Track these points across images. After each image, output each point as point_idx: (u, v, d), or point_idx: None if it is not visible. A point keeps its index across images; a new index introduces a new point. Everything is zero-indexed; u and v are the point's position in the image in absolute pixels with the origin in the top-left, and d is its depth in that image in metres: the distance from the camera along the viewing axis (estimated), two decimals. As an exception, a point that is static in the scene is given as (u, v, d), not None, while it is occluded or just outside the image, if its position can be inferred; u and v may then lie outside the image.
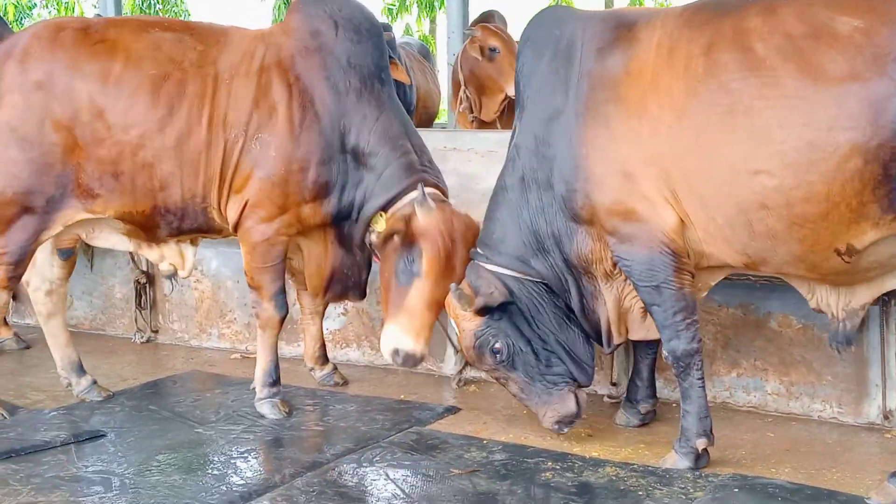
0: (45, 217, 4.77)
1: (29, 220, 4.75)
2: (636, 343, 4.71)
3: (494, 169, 4.75)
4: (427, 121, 9.11)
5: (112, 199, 4.77)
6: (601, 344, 4.56)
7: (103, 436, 4.64)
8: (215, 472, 4.21)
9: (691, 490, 3.92)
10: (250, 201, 4.78)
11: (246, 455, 4.43)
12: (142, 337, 6.69)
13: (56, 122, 4.69)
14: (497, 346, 4.51)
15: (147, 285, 6.70)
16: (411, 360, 4.72)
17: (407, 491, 3.96)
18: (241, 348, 6.34)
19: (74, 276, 6.53)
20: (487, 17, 8.13)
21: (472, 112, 7.71)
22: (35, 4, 25.31)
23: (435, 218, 4.70)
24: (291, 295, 5.83)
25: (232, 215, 4.84)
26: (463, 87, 7.69)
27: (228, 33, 5.00)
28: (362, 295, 5.28)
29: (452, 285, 4.50)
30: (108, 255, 6.75)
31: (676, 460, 4.18)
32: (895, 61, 3.58)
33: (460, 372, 5.55)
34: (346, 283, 5.17)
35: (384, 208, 4.87)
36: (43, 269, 5.25)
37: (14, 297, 7.09)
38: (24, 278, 5.31)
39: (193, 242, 5.12)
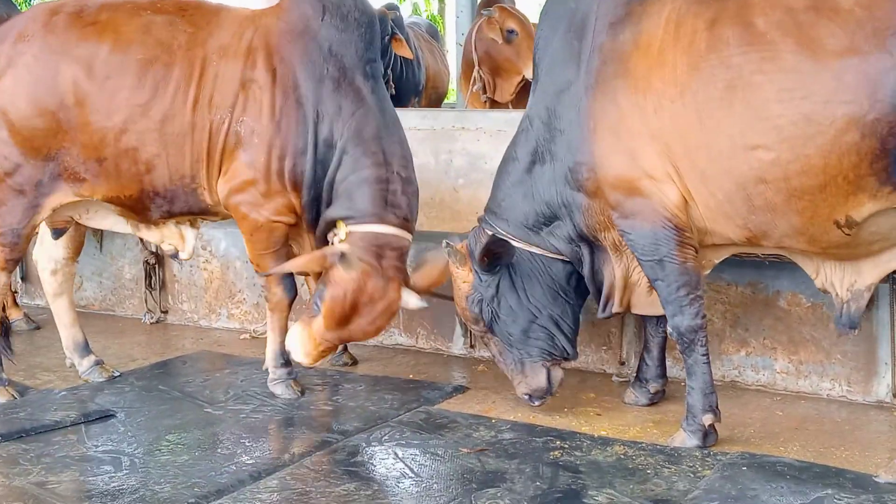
0: (35, 199, 4.78)
1: (18, 202, 4.76)
2: (647, 322, 4.71)
3: (503, 148, 4.74)
4: (436, 100, 9.11)
5: (98, 183, 4.77)
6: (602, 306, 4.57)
7: (113, 416, 4.66)
8: (225, 451, 4.22)
9: (700, 468, 3.92)
10: (234, 186, 4.74)
11: (255, 434, 4.44)
12: (151, 317, 6.70)
13: (43, 106, 4.69)
14: (483, 307, 4.57)
15: (156, 266, 6.71)
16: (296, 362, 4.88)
17: (416, 470, 3.97)
18: (251, 328, 6.35)
19: (84, 257, 6.54)
20: None
21: (485, 92, 7.70)
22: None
23: (346, 279, 4.54)
24: (299, 277, 5.85)
25: (221, 198, 4.81)
26: (477, 68, 7.66)
27: (220, 14, 4.94)
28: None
29: (444, 241, 4.54)
30: (118, 236, 6.76)
31: (685, 439, 4.19)
32: (894, 35, 3.56)
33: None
34: None
35: (344, 218, 4.73)
36: (50, 248, 5.26)
37: (23, 279, 7.14)
38: (34, 257, 5.35)
39: (193, 224, 5.10)
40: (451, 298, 4.92)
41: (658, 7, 4.14)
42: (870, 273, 4.10)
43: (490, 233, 4.57)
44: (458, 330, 5.70)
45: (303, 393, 4.98)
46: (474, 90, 7.67)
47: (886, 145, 3.61)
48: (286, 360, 5.01)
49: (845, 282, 4.15)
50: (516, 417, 4.64)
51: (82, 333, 5.35)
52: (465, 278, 4.63)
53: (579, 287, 4.62)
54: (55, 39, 4.74)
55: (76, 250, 5.42)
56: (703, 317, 4.17)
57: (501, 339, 4.62)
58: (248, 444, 4.32)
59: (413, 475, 3.91)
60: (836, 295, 4.19)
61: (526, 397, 4.61)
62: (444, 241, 4.60)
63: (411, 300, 4.64)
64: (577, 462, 4.02)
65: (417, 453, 4.16)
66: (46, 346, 6.02)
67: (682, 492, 3.70)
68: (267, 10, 4.98)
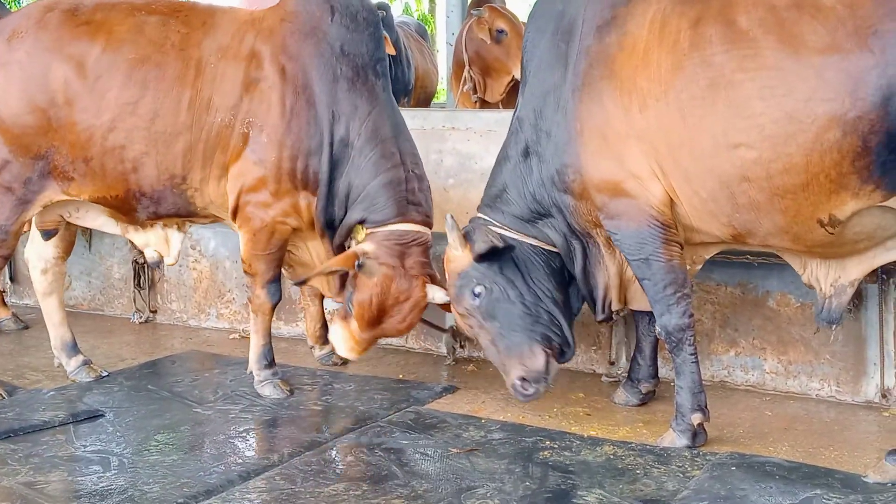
0: (24, 197, 4.76)
1: (7, 199, 4.75)
2: (638, 322, 4.72)
3: (493, 148, 4.75)
4: (425, 100, 9.10)
5: (85, 182, 4.76)
6: (594, 311, 4.55)
7: (102, 416, 4.64)
8: (214, 451, 4.21)
9: (689, 468, 3.92)
10: (245, 186, 4.76)
11: (244, 434, 4.44)
12: (140, 317, 6.69)
13: (34, 103, 4.67)
14: (477, 289, 4.47)
15: (145, 265, 6.69)
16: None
17: (405, 470, 3.96)
18: (240, 328, 6.34)
19: (73, 256, 6.52)
20: (486, -1, 8.09)
21: (475, 92, 7.70)
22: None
23: (370, 284, 4.65)
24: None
25: (230, 200, 4.82)
26: (467, 68, 7.67)
27: (216, 15, 4.94)
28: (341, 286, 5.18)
29: (448, 216, 4.49)
30: (107, 236, 6.73)
31: (674, 439, 4.19)
32: (876, 34, 3.58)
33: (454, 349, 5.54)
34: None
35: (362, 221, 4.80)
36: (40, 247, 5.24)
37: (12, 279, 7.12)
38: (25, 256, 5.33)
39: (180, 228, 5.09)
40: (442, 329, 4.96)
41: (643, 8, 4.15)
42: (854, 269, 4.12)
43: (488, 226, 4.53)
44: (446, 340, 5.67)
45: (292, 393, 4.98)
46: (464, 90, 7.67)
47: (868, 143, 3.62)
48: (270, 362, 5.02)
49: (830, 277, 4.16)
50: (506, 417, 4.64)
51: (71, 333, 5.34)
52: (457, 259, 4.53)
53: (574, 284, 4.60)
54: (48, 37, 4.73)
55: (66, 249, 5.40)
56: (691, 315, 4.18)
57: (500, 324, 4.46)
58: (237, 444, 4.32)
59: (402, 475, 3.91)
60: (820, 290, 4.20)
61: (518, 383, 4.42)
62: (448, 214, 4.56)
63: (438, 295, 4.70)
64: (567, 462, 4.02)
65: (407, 453, 4.15)
66: (35, 346, 6.00)
67: (671, 492, 3.70)
68: (267, 11, 4.97)
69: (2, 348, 5.39)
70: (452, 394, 5.04)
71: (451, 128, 5.85)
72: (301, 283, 5.05)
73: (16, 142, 4.69)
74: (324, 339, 5.59)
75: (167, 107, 4.68)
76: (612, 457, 4.08)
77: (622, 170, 4.11)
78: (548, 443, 4.25)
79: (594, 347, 5.41)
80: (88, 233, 6.81)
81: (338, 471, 3.97)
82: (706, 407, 4.19)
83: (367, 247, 4.72)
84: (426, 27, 12.47)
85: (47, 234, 5.15)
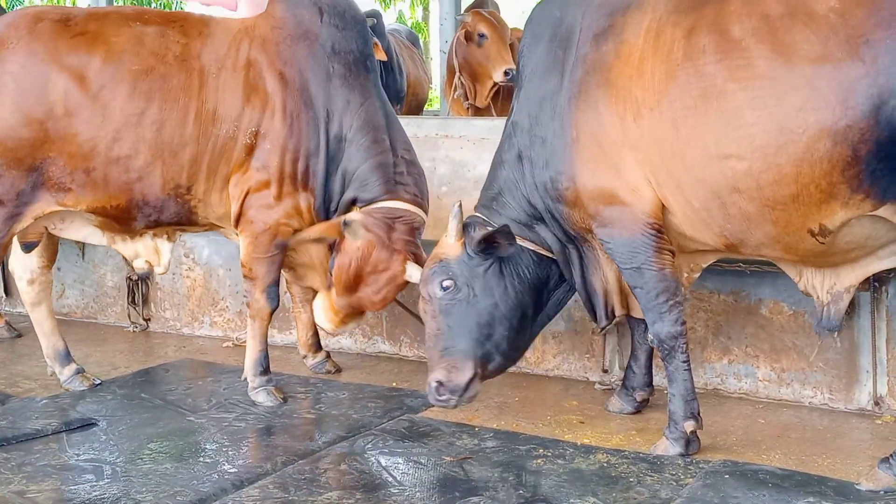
0: (17, 209, 4.72)
1: (0, 212, 4.71)
2: (634, 330, 4.72)
3: (486, 156, 4.76)
4: (416, 108, 9.11)
5: (84, 192, 4.73)
6: (595, 318, 4.55)
7: (95, 424, 4.64)
8: (207, 459, 4.21)
9: (682, 476, 3.93)
10: (249, 191, 4.79)
11: (238, 443, 4.43)
12: (136, 328, 6.68)
13: (29, 115, 4.64)
14: (447, 283, 4.35)
15: (139, 281, 6.68)
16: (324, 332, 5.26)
17: (399, 478, 3.96)
18: (234, 336, 6.34)
19: (66, 264, 6.55)
20: (480, 3, 8.11)
21: (466, 99, 7.71)
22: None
23: (352, 247, 4.73)
24: (284, 284, 5.84)
25: (234, 207, 4.84)
26: (457, 74, 7.68)
27: (210, 25, 4.96)
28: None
29: (456, 205, 4.41)
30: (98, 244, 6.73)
31: (667, 447, 4.19)
32: (867, 43, 3.59)
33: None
34: None
35: (354, 201, 4.90)
36: (24, 258, 5.22)
37: (5, 288, 7.11)
38: (10, 268, 5.31)
39: (170, 238, 5.09)
40: (414, 314, 4.95)
41: (639, 17, 4.15)
42: (848, 276, 4.12)
43: (494, 222, 4.48)
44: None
45: (285, 400, 4.97)
46: (455, 97, 7.68)
47: (858, 152, 3.62)
48: (265, 368, 5.02)
49: (825, 284, 4.17)
50: (499, 426, 4.64)
51: (63, 342, 5.33)
52: (443, 246, 4.44)
53: (556, 292, 4.59)
54: (42, 48, 4.69)
55: (51, 258, 5.39)
56: (683, 323, 4.18)
57: (451, 324, 4.33)
58: (230, 452, 4.31)
59: (396, 483, 3.91)
60: (817, 297, 4.21)
61: (434, 385, 4.28)
62: (457, 202, 4.47)
63: (415, 274, 4.68)
64: (561, 470, 4.02)
65: (400, 461, 4.15)
66: (28, 355, 5.99)
67: (664, 500, 3.70)
68: (257, 19, 5.00)
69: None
70: (446, 402, 5.03)
71: (444, 136, 5.85)
72: (287, 247, 5.00)
73: (9, 154, 4.64)
74: (316, 347, 5.59)
75: (174, 118, 4.69)
76: (605, 465, 4.08)
77: (617, 178, 4.11)
78: (541, 451, 4.24)
79: (588, 355, 5.41)
80: (82, 242, 6.80)
81: (331, 479, 3.96)
82: (699, 415, 4.19)
83: (355, 215, 4.80)
84: (419, 35, 12.48)
85: (28, 247, 5.09)
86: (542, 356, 5.51)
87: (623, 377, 4.89)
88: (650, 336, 4.23)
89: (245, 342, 5.10)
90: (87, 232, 5.05)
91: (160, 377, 5.52)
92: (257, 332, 5.01)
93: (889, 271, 4.50)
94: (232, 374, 5.42)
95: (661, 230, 4.12)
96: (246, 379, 5.04)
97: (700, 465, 4.03)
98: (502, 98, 7.57)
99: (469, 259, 4.37)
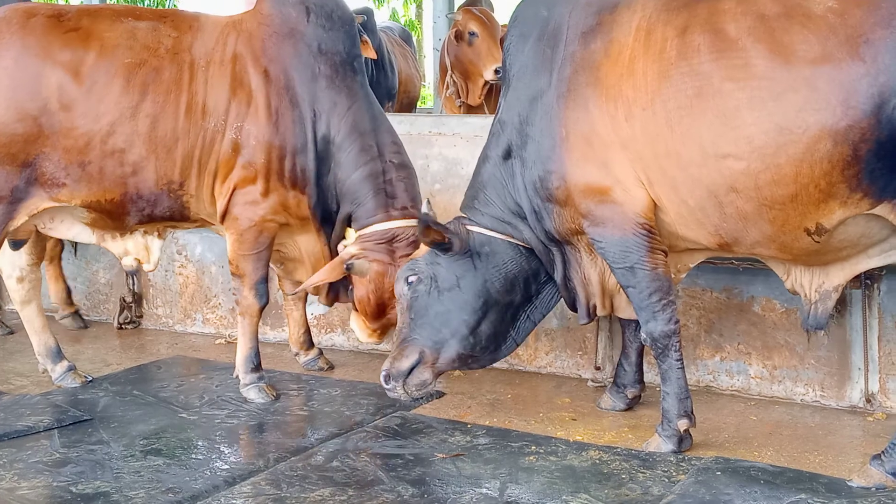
0: (11, 207, 4.70)
1: None
2: (625, 328, 4.72)
3: (479, 153, 4.75)
4: (408, 105, 9.12)
5: (79, 187, 4.72)
6: (576, 312, 4.55)
7: (87, 421, 4.63)
8: (199, 456, 4.21)
9: (674, 473, 3.93)
10: (235, 188, 4.79)
11: (230, 440, 4.43)
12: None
13: (23, 111, 4.62)
14: (412, 278, 4.44)
15: (132, 304, 6.68)
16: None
17: (391, 475, 3.96)
18: (226, 333, 6.33)
19: (60, 261, 6.52)
20: (472, 2, 8.11)
21: (459, 97, 7.71)
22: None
23: (364, 282, 4.84)
24: (275, 280, 5.84)
25: (220, 204, 4.84)
26: (449, 73, 7.68)
27: (200, 19, 4.98)
28: (334, 299, 5.18)
29: (425, 201, 4.64)
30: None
31: (660, 443, 4.20)
32: (867, 42, 3.59)
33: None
34: (338, 288, 5.10)
35: (349, 219, 4.94)
36: (12, 256, 5.21)
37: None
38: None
39: (160, 235, 5.08)
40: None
41: (628, 16, 4.15)
42: (837, 275, 4.13)
43: (470, 227, 4.51)
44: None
45: (277, 397, 4.97)
46: (447, 95, 7.68)
47: (859, 152, 3.62)
48: (256, 365, 5.02)
49: (814, 283, 4.17)
50: (492, 422, 4.64)
51: (54, 339, 5.32)
52: (422, 248, 4.52)
53: (547, 288, 4.60)
54: (35, 43, 4.68)
55: (40, 256, 5.38)
56: (677, 322, 4.18)
57: (412, 317, 4.42)
58: (222, 449, 4.31)
59: (388, 480, 3.91)
60: (805, 296, 4.21)
61: (383, 374, 4.38)
62: (425, 199, 4.68)
63: None
64: (553, 467, 4.03)
65: (393, 458, 4.15)
66: (20, 351, 5.98)
67: (656, 496, 3.71)
68: (245, 15, 5.01)
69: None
70: (438, 399, 5.04)
71: (437, 133, 5.85)
72: (295, 293, 5.17)
73: (2, 150, 4.64)
74: (308, 344, 5.59)
75: (167, 112, 4.69)
76: (597, 461, 4.08)
77: (608, 176, 4.11)
78: (533, 447, 4.25)
79: (580, 352, 5.42)
80: (73, 238, 6.79)
81: (323, 476, 3.96)
82: (692, 413, 4.20)
83: (353, 249, 4.84)
84: (412, 33, 12.47)
85: (17, 244, 5.10)
86: (535, 353, 5.51)
87: (614, 374, 4.89)
88: (643, 335, 4.23)
89: (237, 338, 5.10)
90: (76, 230, 5.03)
91: (152, 374, 5.51)
92: (247, 329, 5.01)
93: (881, 269, 4.51)
94: (224, 371, 5.42)
95: (653, 229, 4.11)
96: (237, 376, 5.04)
97: (692, 462, 4.04)
98: (494, 96, 7.57)
99: (434, 255, 4.45)
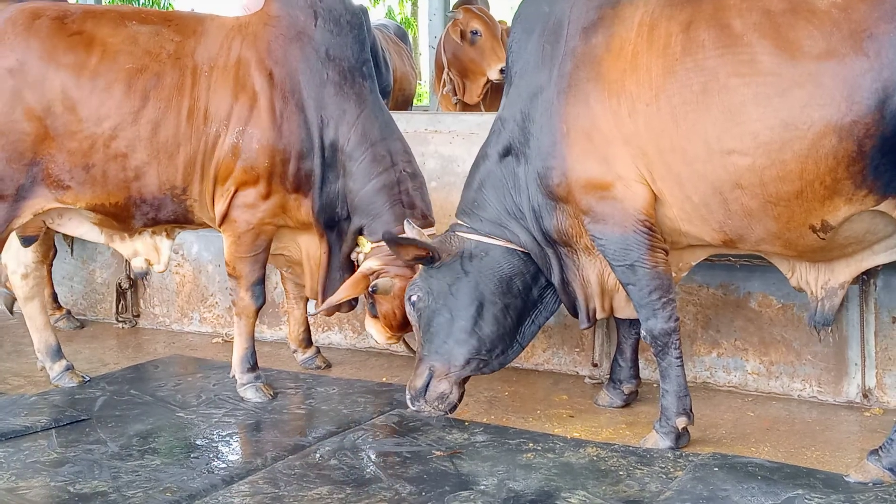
0: (15, 205, 4.71)
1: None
2: (619, 323, 4.72)
3: (476, 151, 4.74)
4: (403, 103, 9.11)
5: (83, 190, 4.73)
6: (576, 317, 4.55)
7: (84, 420, 4.63)
8: (197, 455, 4.20)
9: (672, 469, 3.93)
10: (237, 191, 4.77)
11: (227, 439, 4.43)
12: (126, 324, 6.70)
13: (29, 111, 4.63)
14: (414, 297, 4.49)
15: (129, 291, 6.68)
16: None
17: (389, 473, 3.96)
18: (223, 332, 6.33)
19: (55, 261, 6.52)
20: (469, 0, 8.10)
21: (455, 95, 7.71)
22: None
23: (389, 298, 4.80)
24: (273, 279, 5.84)
25: (220, 208, 4.82)
26: (446, 70, 7.68)
27: (205, 23, 4.95)
28: (351, 307, 5.19)
29: (406, 221, 4.66)
30: (89, 241, 6.71)
31: (657, 440, 4.20)
32: (871, 37, 3.59)
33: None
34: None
35: (362, 229, 4.90)
36: (18, 252, 5.21)
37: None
38: (2, 262, 5.30)
39: (169, 235, 5.09)
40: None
41: (630, 11, 4.14)
42: (843, 272, 4.13)
43: (466, 235, 4.53)
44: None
45: (274, 396, 4.97)
46: (444, 92, 7.68)
47: (863, 148, 3.62)
48: (252, 365, 5.02)
49: (819, 280, 4.17)
50: (489, 420, 4.65)
51: (55, 337, 5.32)
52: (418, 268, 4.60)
53: (542, 294, 4.59)
54: (40, 45, 4.68)
55: (45, 253, 5.38)
56: (677, 320, 4.18)
57: (421, 333, 4.48)
58: (220, 448, 4.31)
59: (386, 478, 3.91)
60: (811, 293, 4.21)
61: (407, 396, 4.45)
62: (406, 220, 4.69)
63: None
64: (550, 464, 4.03)
65: (390, 456, 4.15)
66: (17, 352, 5.98)
67: (654, 493, 3.71)
68: (252, 17, 4.98)
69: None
70: (436, 396, 5.03)
71: (433, 130, 5.85)
72: (316, 314, 5.13)
73: (9, 149, 4.65)
74: (307, 342, 5.60)
75: (168, 117, 4.68)
76: (595, 458, 4.08)
77: (609, 172, 4.10)
78: (531, 445, 4.25)
79: (577, 349, 5.42)
80: (70, 238, 6.79)
81: (321, 474, 3.96)
82: (691, 410, 4.20)
83: (373, 264, 4.80)
84: (407, 30, 12.46)
85: (27, 241, 5.11)
86: (532, 351, 5.51)
87: (610, 371, 4.90)
88: (643, 333, 4.23)
89: (234, 338, 5.09)
90: (85, 229, 5.04)
91: (149, 373, 5.51)
92: (244, 330, 5.00)
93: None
94: (221, 370, 5.42)
95: (654, 227, 4.11)
96: (234, 376, 5.04)
97: (689, 458, 4.04)
98: (491, 94, 7.57)
99: (427, 270, 4.49)
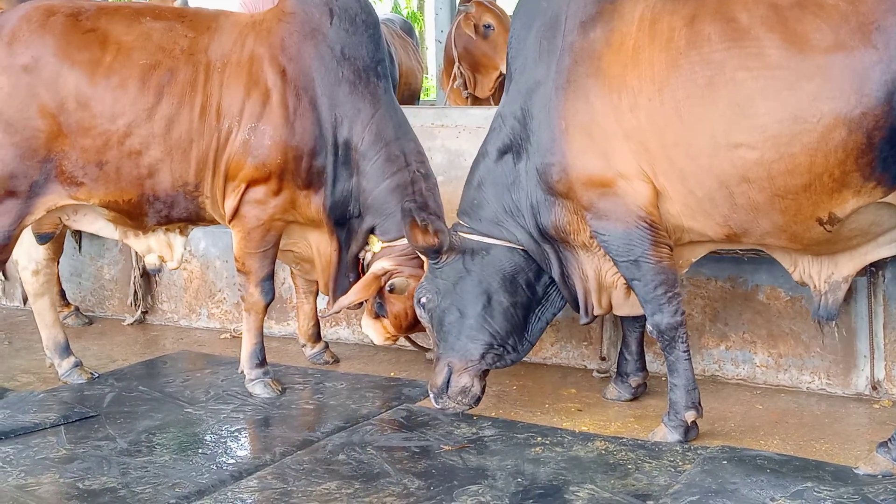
0: (29, 202, 4.72)
1: (12, 204, 4.70)
2: (623, 317, 4.71)
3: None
4: (409, 97, 9.12)
5: (97, 187, 4.74)
6: (579, 312, 4.55)
7: (93, 417, 4.64)
8: (206, 451, 4.21)
9: (680, 463, 3.93)
10: (248, 187, 4.77)
11: (236, 434, 4.44)
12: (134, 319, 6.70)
13: (42, 108, 4.65)
14: (423, 300, 4.52)
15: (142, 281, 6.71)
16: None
17: (397, 468, 3.96)
18: (231, 328, 6.34)
19: (63, 257, 6.53)
20: (475, -7, 8.08)
21: (465, 88, 7.70)
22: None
23: (402, 298, 4.85)
24: (281, 275, 5.85)
25: (230, 204, 4.82)
26: (457, 64, 7.67)
27: (219, 19, 4.95)
28: (360, 305, 5.14)
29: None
30: (96, 237, 6.72)
31: (666, 433, 4.19)
32: (879, 29, 3.58)
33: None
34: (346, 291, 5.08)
35: (373, 229, 4.91)
36: (30, 248, 5.22)
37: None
38: (14, 257, 5.31)
39: (182, 232, 5.09)
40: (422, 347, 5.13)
41: (630, 6, 4.12)
42: (846, 265, 4.11)
43: (465, 235, 4.54)
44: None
45: (283, 392, 4.98)
46: (455, 86, 7.67)
47: (872, 139, 3.61)
48: (261, 361, 5.02)
49: (823, 274, 4.16)
50: (497, 414, 4.64)
51: (63, 334, 5.33)
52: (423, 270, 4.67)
53: (547, 290, 4.59)
54: (55, 42, 4.69)
55: (57, 251, 5.40)
56: (683, 314, 4.17)
57: (435, 333, 4.51)
58: (228, 443, 4.32)
59: (394, 473, 3.91)
60: (814, 287, 4.20)
61: (433, 394, 4.47)
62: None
63: None
64: (559, 458, 4.03)
65: (399, 451, 4.16)
66: (26, 348, 6.00)
67: (662, 486, 3.70)
68: (266, 15, 4.99)
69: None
70: (444, 391, 5.03)
71: (440, 125, 5.85)
72: (329, 315, 5.13)
73: (23, 146, 4.66)
74: (316, 337, 5.60)
75: (182, 113, 4.69)
76: (603, 452, 4.08)
77: (609, 168, 4.08)
78: (539, 439, 4.25)
79: (585, 343, 5.42)
80: (78, 234, 6.81)
81: (330, 469, 3.96)
82: (700, 404, 4.19)
83: (386, 264, 4.83)
84: (413, 25, 12.46)
85: (43, 238, 5.13)
86: (540, 344, 5.50)
87: (617, 364, 4.89)
88: (649, 327, 4.22)
89: (242, 334, 5.10)
90: (100, 225, 5.06)
91: (158, 370, 5.52)
92: (252, 326, 5.01)
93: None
94: (230, 365, 5.42)
95: (658, 223, 4.10)
96: (243, 371, 5.04)
97: (698, 452, 4.03)
98: (502, 88, 7.56)
99: (432, 271, 4.52)
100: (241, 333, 5.30)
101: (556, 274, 4.46)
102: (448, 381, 4.42)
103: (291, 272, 5.53)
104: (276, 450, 4.20)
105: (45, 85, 4.66)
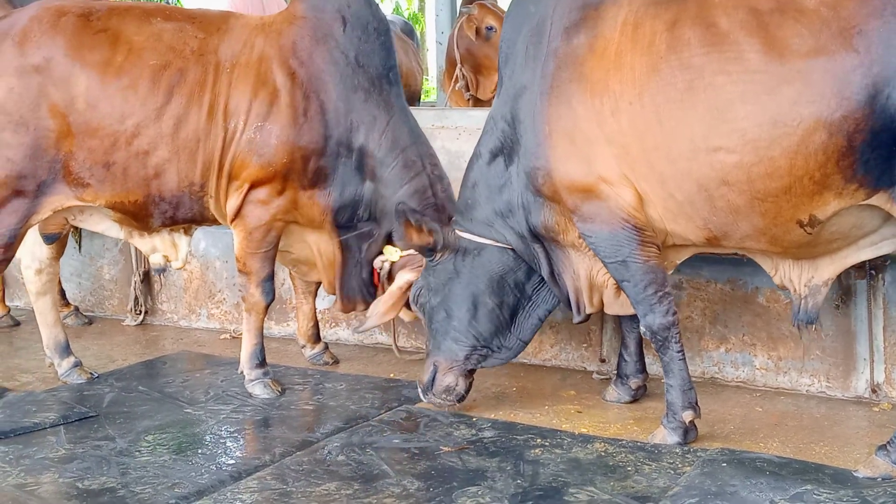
0: (36, 201, 4.72)
1: (20, 203, 4.70)
2: (622, 318, 4.72)
3: (481, 147, 4.75)
4: (409, 99, 9.09)
5: (103, 188, 4.74)
6: (571, 310, 4.56)
7: (93, 417, 4.64)
8: (205, 451, 4.21)
9: (680, 465, 3.93)
10: (252, 187, 4.77)
11: (236, 435, 4.44)
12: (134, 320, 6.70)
13: (53, 108, 4.65)
14: (418, 297, 4.70)
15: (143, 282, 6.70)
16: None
17: (396, 469, 3.96)
18: (231, 328, 6.34)
19: (63, 257, 6.53)
20: (477, -5, 8.08)
21: (468, 90, 7.71)
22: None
23: None
24: (280, 276, 5.85)
25: (233, 204, 4.82)
26: (459, 66, 7.67)
27: (229, 20, 4.96)
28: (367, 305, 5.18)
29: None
30: (97, 237, 6.73)
31: (665, 435, 4.20)
32: (860, 33, 3.59)
33: None
34: (354, 293, 5.11)
35: (390, 236, 4.90)
36: (33, 247, 5.23)
37: None
38: (18, 255, 5.31)
39: (187, 232, 5.10)
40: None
41: (613, 11, 4.13)
42: (826, 269, 4.12)
43: (460, 234, 4.58)
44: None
45: (282, 392, 4.98)
46: (457, 88, 7.68)
47: (853, 142, 3.62)
48: (261, 361, 5.03)
49: (803, 277, 4.17)
50: (497, 415, 4.64)
51: (64, 334, 5.33)
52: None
53: (537, 290, 4.63)
54: (66, 42, 4.69)
55: (59, 250, 5.39)
56: (675, 313, 4.18)
57: (435, 330, 4.62)
58: (228, 444, 4.32)
59: (394, 474, 3.91)
60: (795, 291, 4.21)
61: (421, 387, 4.67)
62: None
63: None
64: (558, 460, 4.03)
65: (398, 452, 4.16)
66: (25, 348, 5.99)
67: (662, 488, 3.71)
68: (277, 17, 5.00)
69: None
70: (444, 392, 5.03)
71: (440, 126, 5.85)
72: (362, 330, 5.23)
73: (33, 146, 4.66)
74: (315, 338, 5.60)
75: (190, 113, 4.69)
76: (603, 454, 4.08)
77: (591, 172, 4.09)
78: (539, 440, 4.25)
79: (585, 345, 5.42)
80: (78, 234, 6.80)
81: (329, 470, 3.97)
82: (697, 404, 4.20)
83: (410, 276, 4.86)
84: (414, 26, 12.46)
85: (49, 238, 5.14)
86: (540, 346, 5.51)
87: (616, 366, 4.89)
88: (642, 328, 4.23)
89: (242, 334, 5.10)
90: (106, 225, 5.07)
91: (158, 370, 5.52)
92: (253, 326, 5.01)
93: (885, 259, 4.51)
94: (229, 366, 5.42)
95: (643, 224, 4.10)
96: (243, 372, 5.04)
97: (698, 454, 4.04)
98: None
99: (426, 269, 4.65)
100: (240, 334, 5.30)
101: (545, 273, 4.48)
102: (433, 379, 4.56)
103: (290, 273, 5.53)
104: (276, 450, 4.20)
105: (56, 85, 4.66)
